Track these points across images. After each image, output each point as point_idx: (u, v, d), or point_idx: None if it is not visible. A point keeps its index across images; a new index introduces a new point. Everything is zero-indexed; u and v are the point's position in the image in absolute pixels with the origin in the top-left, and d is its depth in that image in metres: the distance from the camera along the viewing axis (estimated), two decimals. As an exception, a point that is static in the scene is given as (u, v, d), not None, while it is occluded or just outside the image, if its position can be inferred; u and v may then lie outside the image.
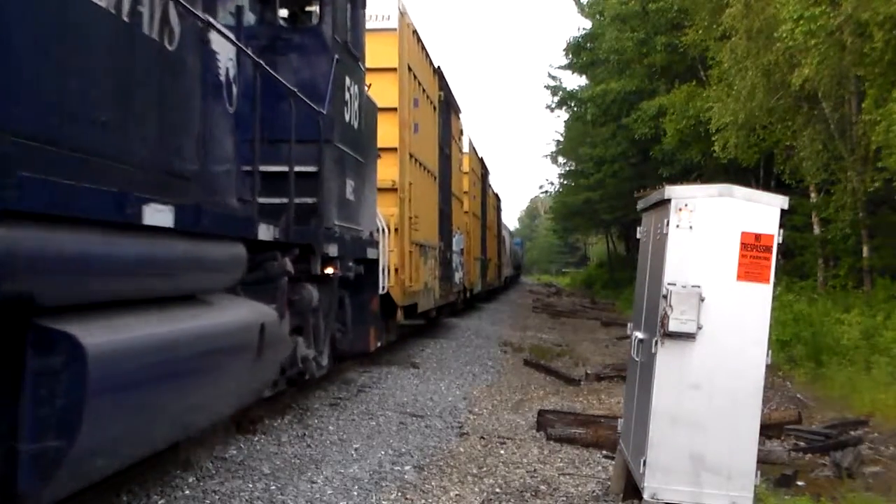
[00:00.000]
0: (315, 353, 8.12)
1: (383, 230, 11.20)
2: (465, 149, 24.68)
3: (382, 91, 11.94)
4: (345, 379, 11.02)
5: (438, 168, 17.63)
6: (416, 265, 14.32)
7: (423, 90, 15.54)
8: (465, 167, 24.54)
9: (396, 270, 12.52)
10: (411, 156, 14.04)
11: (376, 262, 10.33)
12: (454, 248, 20.36)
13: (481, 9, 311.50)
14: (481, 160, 30.01)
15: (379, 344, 10.76)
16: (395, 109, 13.09)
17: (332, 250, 7.95)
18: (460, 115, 22.73)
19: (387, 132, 12.24)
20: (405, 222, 13.35)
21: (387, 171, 12.30)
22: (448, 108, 19.52)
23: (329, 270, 8.04)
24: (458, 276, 21.19)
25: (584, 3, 33.86)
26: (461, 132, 23.35)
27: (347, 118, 8.84)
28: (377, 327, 10.50)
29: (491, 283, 34.71)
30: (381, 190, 11.36)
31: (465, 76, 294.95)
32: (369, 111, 10.03)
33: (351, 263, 8.77)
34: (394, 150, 12.87)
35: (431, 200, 16.82)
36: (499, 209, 41.09)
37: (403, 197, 13.34)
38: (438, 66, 17.67)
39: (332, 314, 8.62)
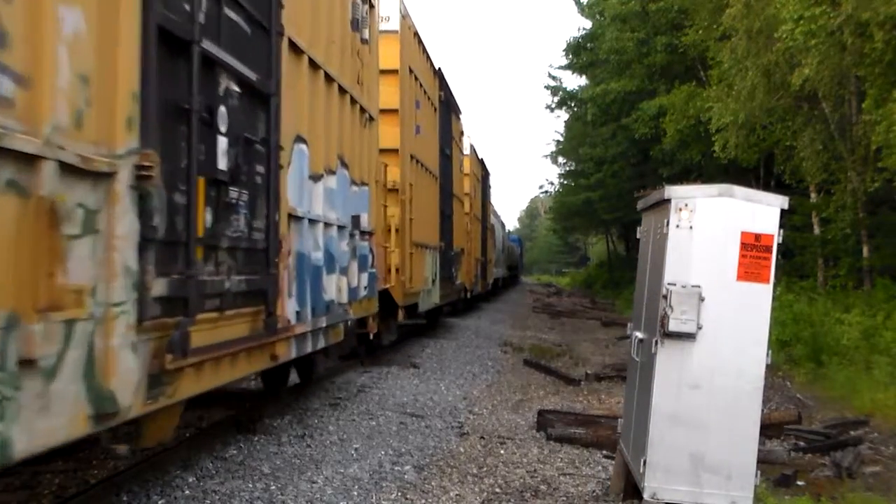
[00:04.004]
0: None
1: None
2: (394, 23, 13.04)
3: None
4: (345, 379, 11.03)
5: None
6: None
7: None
8: (390, 58, 12.57)
9: None
10: None
11: None
12: (329, 212, 8.02)
13: (481, 8, 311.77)
14: (440, 73, 17.51)
15: None
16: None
17: None
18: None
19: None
20: None
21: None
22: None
23: None
24: (343, 282, 8.53)
25: (584, 3, 33.86)
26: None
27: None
28: None
29: (466, 287, 23.33)
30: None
31: (466, 76, 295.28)
32: None
33: None
34: None
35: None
36: (484, 182, 30.56)
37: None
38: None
39: None
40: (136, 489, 5.65)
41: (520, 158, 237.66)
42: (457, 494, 6.09)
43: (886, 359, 10.95)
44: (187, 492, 5.75)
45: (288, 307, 6.60)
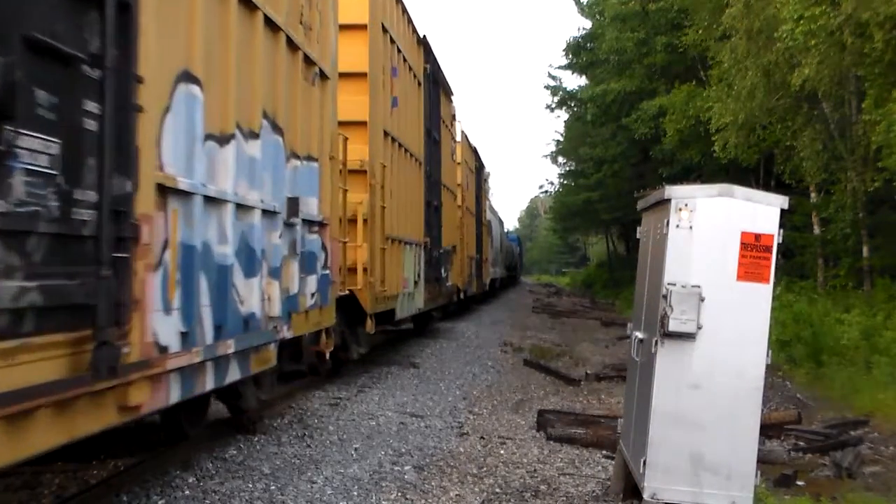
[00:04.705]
0: None
1: None
2: None
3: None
4: (345, 379, 11.03)
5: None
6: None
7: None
8: (356, 10, 10.67)
9: None
10: None
11: None
12: (249, 191, 5.96)
13: (480, 9, 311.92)
14: (425, 41, 15.37)
15: None
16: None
17: None
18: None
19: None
20: None
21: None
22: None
23: None
24: (273, 288, 6.54)
25: (584, 3, 33.88)
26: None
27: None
28: None
29: (459, 288, 21.58)
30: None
31: (466, 76, 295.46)
32: None
33: None
34: None
35: None
36: (479, 173, 28.44)
37: None
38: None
39: None
40: (137, 489, 5.65)
41: (520, 158, 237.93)
42: (457, 494, 6.09)
43: (886, 359, 10.95)
44: (187, 492, 5.75)
45: (160, 328, 4.47)
